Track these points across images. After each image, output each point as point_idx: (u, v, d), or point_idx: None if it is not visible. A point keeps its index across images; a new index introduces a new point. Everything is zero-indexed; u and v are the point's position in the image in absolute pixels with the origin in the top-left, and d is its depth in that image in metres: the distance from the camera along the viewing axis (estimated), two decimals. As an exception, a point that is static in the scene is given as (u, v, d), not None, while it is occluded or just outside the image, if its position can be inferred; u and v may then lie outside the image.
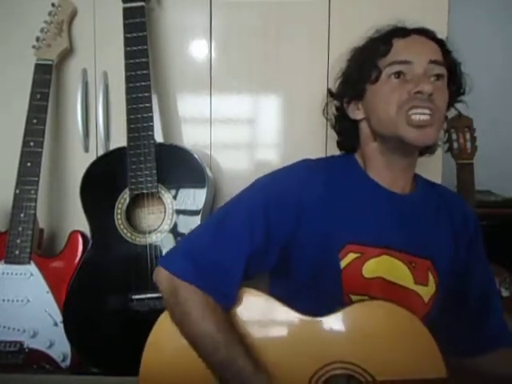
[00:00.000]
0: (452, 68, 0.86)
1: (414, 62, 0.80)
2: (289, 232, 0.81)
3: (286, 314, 0.78)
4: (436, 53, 0.83)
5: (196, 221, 1.13)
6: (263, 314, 0.79)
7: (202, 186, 1.13)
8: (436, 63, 0.81)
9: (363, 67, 0.86)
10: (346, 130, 0.94)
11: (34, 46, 1.19)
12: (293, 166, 0.88)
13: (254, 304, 0.80)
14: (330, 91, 0.97)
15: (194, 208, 1.13)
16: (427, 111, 0.78)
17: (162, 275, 0.80)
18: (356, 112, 0.89)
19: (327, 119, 1.00)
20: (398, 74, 0.81)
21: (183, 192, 1.14)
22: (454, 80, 0.86)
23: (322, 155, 1.22)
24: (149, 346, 0.79)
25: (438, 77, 0.82)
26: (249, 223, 0.80)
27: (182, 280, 0.77)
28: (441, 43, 0.85)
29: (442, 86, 0.83)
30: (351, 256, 0.82)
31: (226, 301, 0.78)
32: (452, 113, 1.03)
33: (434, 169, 1.17)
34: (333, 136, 1.21)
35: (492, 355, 0.88)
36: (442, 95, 0.82)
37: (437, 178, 1.16)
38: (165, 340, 0.80)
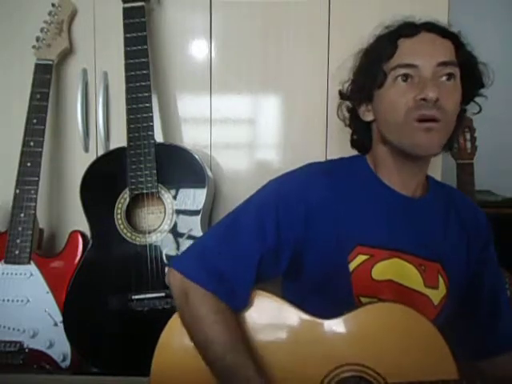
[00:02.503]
0: (466, 63, 0.81)
1: (420, 65, 0.77)
2: (299, 234, 0.81)
3: (296, 316, 0.78)
4: (445, 52, 0.78)
5: (196, 221, 1.13)
6: (274, 316, 0.79)
7: (202, 186, 1.13)
8: (445, 64, 0.77)
9: (369, 70, 0.83)
10: (359, 130, 0.92)
11: (34, 46, 1.19)
12: (299, 169, 0.88)
13: (266, 306, 0.80)
14: (340, 93, 0.94)
15: (193, 208, 1.13)
16: (431, 124, 0.76)
17: (174, 277, 0.80)
18: (366, 114, 0.87)
19: (341, 119, 0.97)
20: (406, 77, 0.78)
21: (183, 192, 1.14)
22: (468, 75, 0.81)
23: (323, 155, 1.23)
24: (160, 346, 0.79)
25: (449, 76, 0.78)
26: (260, 226, 0.80)
27: (194, 283, 0.77)
28: (453, 37, 0.81)
29: (451, 87, 0.79)
30: (361, 258, 0.81)
31: (238, 304, 0.78)
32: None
33: (434, 169, 1.17)
34: (333, 136, 1.22)
35: (503, 358, 0.88)
36: (451, 97, 0.78)
37: (437, 178, 1.16)
38: (176, 340, 0.79)
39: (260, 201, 0.84)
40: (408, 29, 0.81)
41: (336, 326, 0.77)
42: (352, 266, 0.81)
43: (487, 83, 0.84)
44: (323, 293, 0.83)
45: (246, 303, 0.79)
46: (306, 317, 0.78)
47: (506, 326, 0.89)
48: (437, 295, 0.84)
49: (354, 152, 0.96)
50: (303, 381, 0.75)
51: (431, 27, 0.81)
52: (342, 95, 0.94)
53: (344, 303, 0.80)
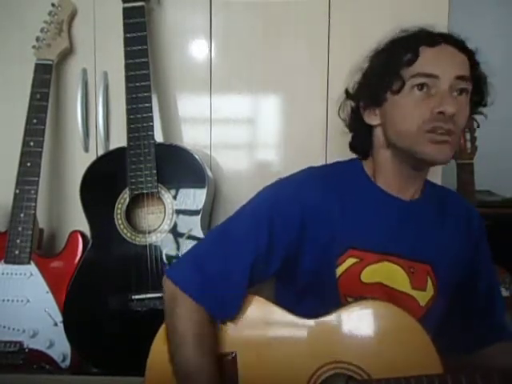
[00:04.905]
0: (478, 80, 0.82)
1: (441, 76, 0.77)
2: (293, 241, 0.82)
3: (283, 317, 0.80)
4: (464, 67, 0.79)
5: (196, 221, 1.13)
6: (262, 317, 0.81)
7: (202, 186, 1.13)
8: (462, 79, 0.78)
9: (385, 75, 0.80)
10: (360, 133, 0.90)
11: (34, 46, 1.19)
12: (295, 175, 0.88)
13: (253, 308, 0.81)
14: (346, 91, 0.91)
15: (193, 208, 1.13)
16: (446, 137, 0.76)
17: (167, 284, 0.82)
18: (372, 117, 0.85)
19: (342, 119, 0.95)
20: (422, 86, 0.77)
21: (183, 192, 1.14)
22: (477, 93, 0.83)
23: (322, 155, 1.23)
24: (154, 349, 0.81)
25: (462, 91, 0.79)
26: (253, 234, 0.81)
27: (182, 291, 0.78)
28: (470, 54, 0.81)
29: (464, 102, 0.80)
30: (350, 261, 0.83)
31: (226, 312, 0.79)
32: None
33: (434, 169, 1.16)
34: (333, 136, 1.22)
35: (491, 348, 0.90)
36: (463, 112, 0.79)
37: (437, 178, 1.16)
38: None
39: (254, 207, 0.85)
40: (430, 38, 0.80)
41: (322, 324, 0.78)
42: (341, 269, 0.82)
43: (489, 103, 0.86)
44: (313, 295, 0.84)
45: (237, 310, 0.79)
46: (291, 316, 0.79)
47: (498, 320, 0.92)
48: (424, 296, 0.86)
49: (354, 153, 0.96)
50: (290, 379, 0.76)
51: (451, 40, 0.80)
52: (349, 95, 0.91)
53: (334, 305, 0.81)
